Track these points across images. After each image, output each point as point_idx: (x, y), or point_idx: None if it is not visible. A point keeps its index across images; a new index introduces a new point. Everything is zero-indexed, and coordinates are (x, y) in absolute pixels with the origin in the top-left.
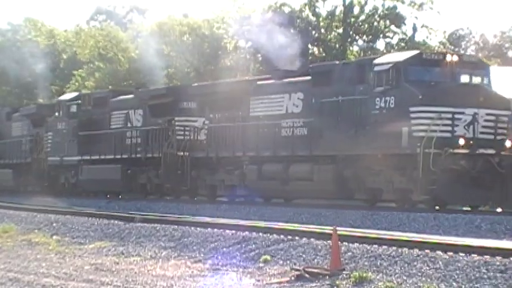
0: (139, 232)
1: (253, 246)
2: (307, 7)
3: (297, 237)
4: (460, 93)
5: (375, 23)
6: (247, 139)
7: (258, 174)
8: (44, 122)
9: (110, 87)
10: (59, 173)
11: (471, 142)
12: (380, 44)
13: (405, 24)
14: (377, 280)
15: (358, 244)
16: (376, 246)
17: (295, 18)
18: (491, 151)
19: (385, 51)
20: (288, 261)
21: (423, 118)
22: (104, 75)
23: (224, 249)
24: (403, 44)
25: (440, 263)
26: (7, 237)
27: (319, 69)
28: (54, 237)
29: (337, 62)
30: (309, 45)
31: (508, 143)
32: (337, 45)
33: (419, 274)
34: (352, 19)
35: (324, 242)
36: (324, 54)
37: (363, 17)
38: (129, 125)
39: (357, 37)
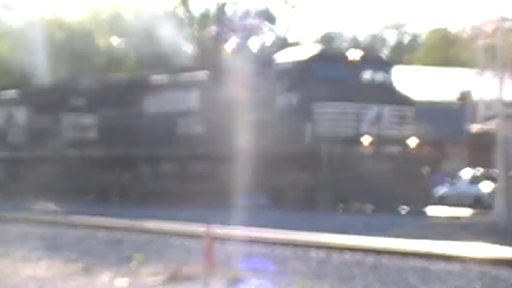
0: (11, 233)
1: (126, 246)
2: (181, 6)
3: (170, 237)
4: (364, 90)
5: (248, 23)
6: (142, 137)
7: (153, 173)
8: None
9: None
10: None
11: (376, 139)
12: (253, 44)
13: (278, 25)
14: (250, 279)
15: (231, 243)
16: (249, 245)
17: (170, 17)
18: (396, 149)
19: (257, 51)
20: (161, 262)
21: (327, 115)
22: None
23: (97, 249)
24: (275, 44)
25: (314, 261)
26: None
27: (217, 66)
28: None
29: (238, 58)
30: (184, 43)
31: (413, 140)
32: (211, 44)
33: (293, 273)
34: (225, 19)
35: (198, 241)
36: (198, 52)
37: (236, 17)
38: (12, 122)
39: (231, 36)
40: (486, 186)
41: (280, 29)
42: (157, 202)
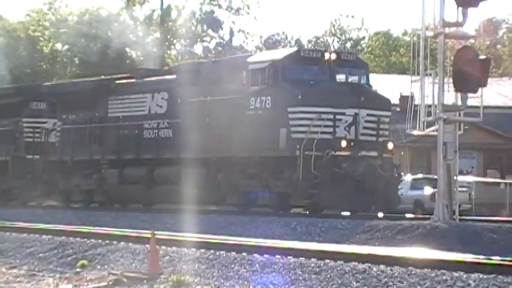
0: None
1: (71, 251)
2: (124, 11)
3: (114, 242)
4: (340, 93)
5: (192, 27)
6: (106, 141)
7: (118, 178)
8: None
9: None
10: None
11: (352, 144)
12: (198, 48)
13: (222, 29)
14: (195, 283)
15: (176, 248)
16: (194, 249)
17: (113, 22)
18: (373, 153)
19: (202, 55)
20: (106, 266)
21: (302, 119)
22: None
23: (41, 254)
24: (220, 48)
25: (257, 265)
26: None
27: (185, 68)
28: None
29: (206, 61)
30: (127, 49)
31: (390, 145)
32: (155, 49)
33: (237, 277)
34: (170, 23)
35: (142, 246)
36: (142, 58)
37: (180, 21)
38: None
39: (175, 41)
40: (426, 190)
41: (225, 33)
42: (121, 208)
